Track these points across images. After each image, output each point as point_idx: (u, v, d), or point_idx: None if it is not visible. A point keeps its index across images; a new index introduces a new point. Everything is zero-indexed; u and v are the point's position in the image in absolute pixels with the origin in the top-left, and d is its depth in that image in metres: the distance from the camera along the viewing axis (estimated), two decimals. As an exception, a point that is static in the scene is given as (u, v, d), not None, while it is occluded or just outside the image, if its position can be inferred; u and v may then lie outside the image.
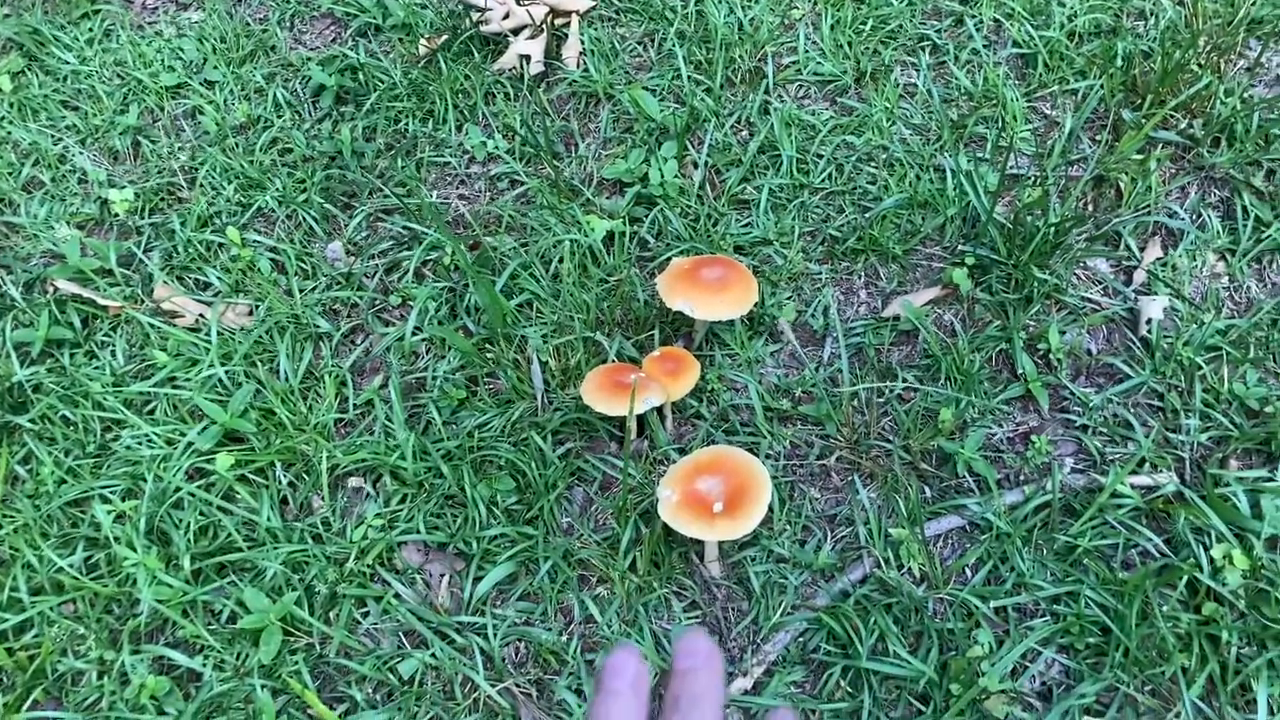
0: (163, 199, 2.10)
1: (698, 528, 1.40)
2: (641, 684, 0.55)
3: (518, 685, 1.48)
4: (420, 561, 1.61)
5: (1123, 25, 1.97)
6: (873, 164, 1.90)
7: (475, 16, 2.20)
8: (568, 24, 2.18)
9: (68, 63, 2.38)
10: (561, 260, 1.82)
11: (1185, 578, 1.39)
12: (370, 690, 1.50)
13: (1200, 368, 1.58)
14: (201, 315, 1.89)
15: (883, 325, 1.73)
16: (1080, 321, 1.67)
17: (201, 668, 1.53)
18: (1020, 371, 1.62)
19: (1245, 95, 1.84)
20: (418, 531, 1.61)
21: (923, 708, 1.37)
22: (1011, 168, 1.86)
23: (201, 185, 2.09)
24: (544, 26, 2.17)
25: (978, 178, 1.78)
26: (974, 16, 2.06)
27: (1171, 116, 1.85)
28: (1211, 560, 1.39)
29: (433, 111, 2.13)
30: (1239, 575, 1.37)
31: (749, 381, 1.67)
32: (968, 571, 1.48)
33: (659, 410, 1.65)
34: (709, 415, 1.67)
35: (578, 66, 2.13)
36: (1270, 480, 1.47)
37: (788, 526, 1.55)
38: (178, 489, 1.65)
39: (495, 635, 1.51)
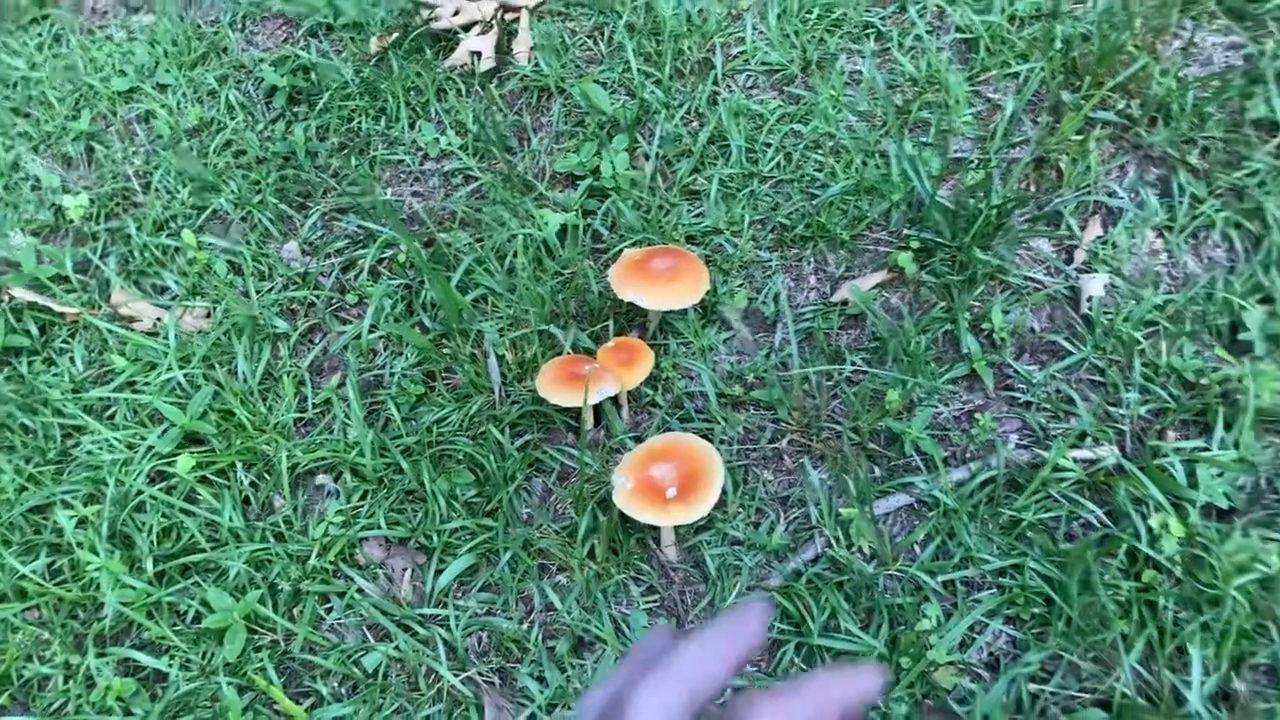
0: (117, 204, 2.11)
1: (652, 514, 1.43)
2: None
3: (480, 674, 1.50)
4: (382, 556, 1.63)
5: (1062, 8, 2.00)
6: (820, 151, 1.93)
7: (426, 14, 2.21)
8: (517, 19, 2.20)
9: (17, 69, 2.38)
10: (516, 255, 1.85)
11: (1125, 546, 1.43)
12: (336, 684, 1.52)
13: (1139, 343, 1.63)
14: (159, 319, 1.90)
15: (832, 310, 1.76)
16: (1023, 301, 1.71)
17: (167, 668, 1.55)
18: (965, 351, 1.66)
19: (1180, 75, 1.88)
20: (379, 527, 1.63)
21: (874, 682, 1.41)
22: (955, 151, 1.89)
23: (156, 189, 2.10)
24: (494, 22, 2.19)
25: (921, 162, 1.82)
26: (917, 3, 2.09)
27: (1110, 97, 1.89)
28: (1150, 529, 1.43)
29: (385, 109, 2.14)
30: (1175, 543, 1.41)
31: (702, 369, 1.70)
32: (916, 548, 1.52)
33: (615, 400, 1.68)
34: (664, 403, 1.70)
35: (528, 61, 2.15)
36: (1205, 450, 1.51)
37: (741, 509, 1.58)
38: (139, 492, 1.67)
39: (457, 626, 1.53)
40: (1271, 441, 1.52)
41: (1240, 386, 1.53)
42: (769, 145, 1.96)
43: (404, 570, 1.62)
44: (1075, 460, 1.53)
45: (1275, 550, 1.40)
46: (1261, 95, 1.84)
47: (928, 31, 2.05)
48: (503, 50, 2.18)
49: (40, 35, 2.46)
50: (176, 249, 2.00)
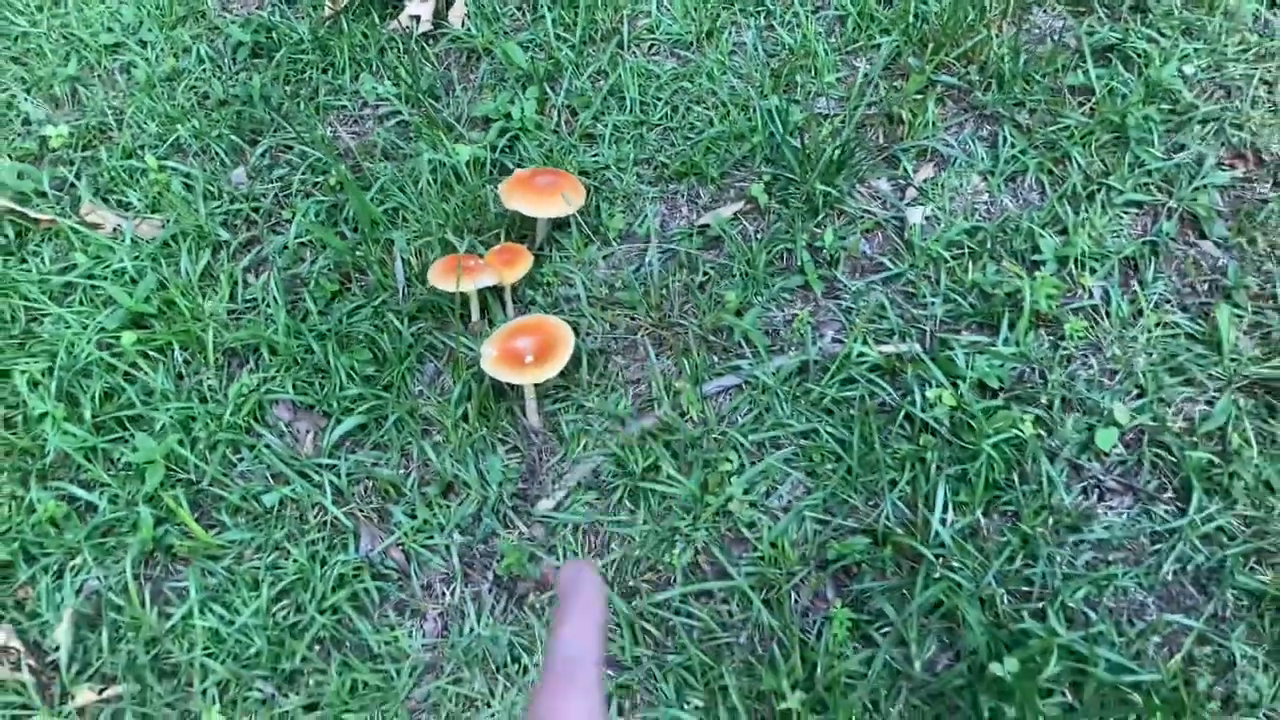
0: (94, 136, 2.40)
1: (512, 373, 1.70)
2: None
3: (360, 511, 1.76)
4: (289, 419, 1.89)
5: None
6: (702, 105, 2.21)
7: (375, -16, 2.52)
8: (455, -9, 2.50)
9: (18, 25, 2.69)
10: (424, 177, 2.13)
11: (903, 412, 1.69)
12: (239, 518, 1.78)
13: (947, 260, 1.89)
14: (118, 226, 2.18)
15: (697, 233, 2.03)
16: (856, 226, 1.97)
17: (97, 501, 1.81)
18: (800, 265, 1.93)
19: (1014, 47, 2.16)
20: (288, 393, 1.89)
21: (684, 515, 1.66)
22: (818, 109, 2.17)
23: (128, 124, 2.39)
24: (434, -8, 2.49)
25: (782, 113, 2.10)
26: (802, -14, 2.39)
27: (954, 64, 2.17)
28: (926, 399, 1.69)
29: (333, 63, 2.44)
30: (946, 410, 1.67)
31: (578, 276, 1.97)
32: (738, 419, 1.78)
33: (501, 298, 1.95)
34: (544, 303, 1.97)
35: (462, 26, 2.45)
36: (992, 345, 1.77)
37: (596, 386, 1.84)
38: (87, 357, 1.94)
39: (344, 474, 1.79)
40: (1044, 337, 1.78)
41: (1023, 295, 1.79)
42: (660, 99, 2.24)
43: (308, 432, 1.89)
44: (882, 353, 1.79)
45: (1030, 419, 1.65)
46: (1080, 66, 2.12)
47: (813, 12, 2.34)
48: (440, 16, 2.48)
49: (42, -2, 2.77)
50: (141, 172, 2.29)
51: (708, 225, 2.02)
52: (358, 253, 2.04)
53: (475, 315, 1.95)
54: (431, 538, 1.72)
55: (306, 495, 1.77)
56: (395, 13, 2.49)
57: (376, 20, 2.49)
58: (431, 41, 2.45)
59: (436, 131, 2.22)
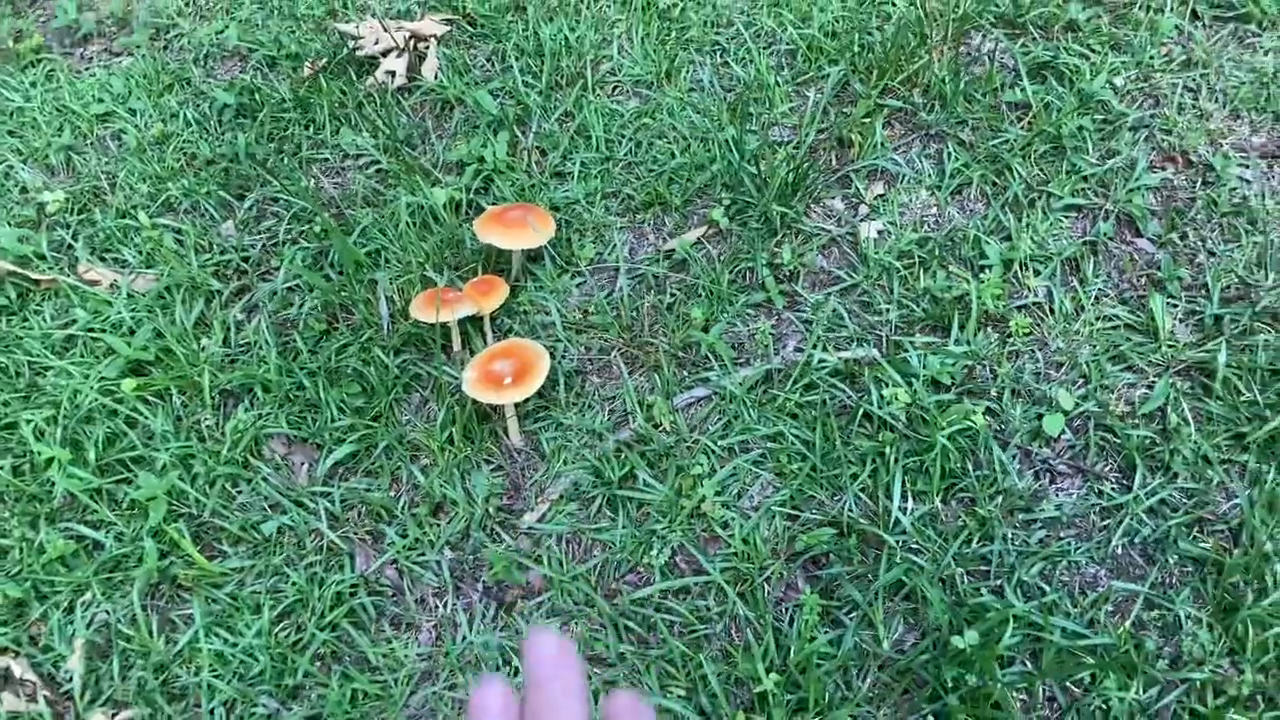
0: (89, 200, 2.52)
1: (492, 395, 1.80)
2: (510, 711, 0.58)
3: (355, 534, 1.85)
4: (284, 452, 1.99)
5: (869, 21, 2.43)
6: (664, 139, 2.34)
7: (352, 43, 2.66)
8: (428, 46, 2.64)
9: (13, 101, 2.82)
10: (404, 218, 2.25)
11: (862, 412, 1.79)
12: (239, 548, 1.87)
13: (899, 270, 2.00)
14: (115, 282, 2.29)
15: (664, 258, 2.15)
16: (811, 243, 2.09)
17: (104, 539, 1.90)
18: (761, 282, 2.04)
19: (955, 69, 2.29)
20: (282, 427, 1.99)
21: (661, 519, 1.76)
22: (773, 137, 2.30)
23: (120, 186, 2.51)
24: (407, 49, 2.63)
25: (737, 142, 2.22)
26: (754, 25, 2.53)
27: (899, 88, 2.30)
28: (883, 397, 1.79)
29: (314, 120, 2.57)
30: (902, 406, 1.77)
31: (554, 304, 2.08)
32: (709, 427, 1.88)
33: (480, 327, 2.06)
34: (521, 330, 2.07)
35: (435, 79, 2.58)
36: (944, 345, 1.88)
37: (573, 404, 1.95)
38: (90, 404, 2.04)
39: (338, 500, 1.89)
40: (992, 335, 1.89)
41: (971, 297, 1.91)
42: (624, 136, 2.37)
43: (302, 464, 1.98)
44: (841, 358, 1.90)
45: (981, 410, 1.76)
46: (1017, 84, 2.25)
47: (765, 48, 2.48)
48: (414, 70, 2.62)
49: (35, 75, 2.91)
50: (135, 229, 2.41)
51: (673, 250, 2.14)
52: (343, 293, 2.16)
53: (456, 345, 2.06)
54: (423, 555, 1.82)
55: (303, 522, 1.87)
56: (371, 70, 2.63)
57: (354, 77, 2.63)
58: (406, 94, 2.58)
59: (414, 177, 2.34)
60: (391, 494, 1.89)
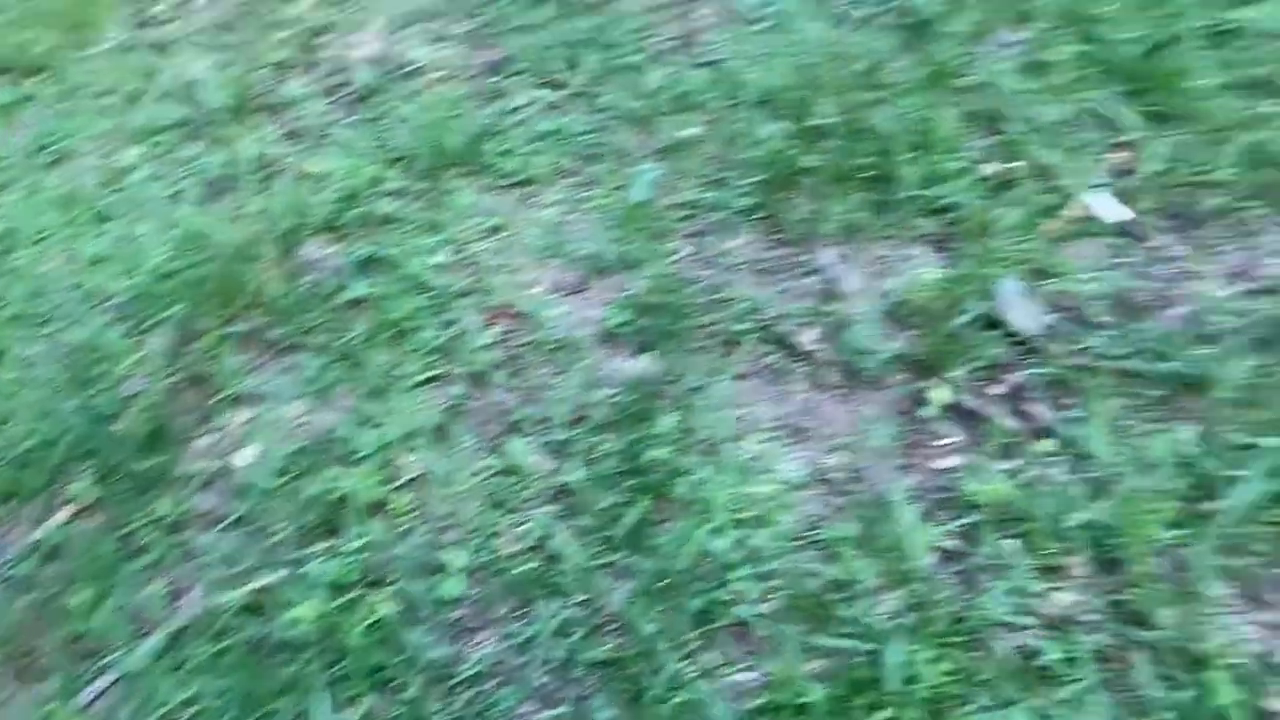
0: None
1: None
2: None
3: None
4: None
5: (197, 258, 2.48)
6: (8, 425, 2.19)
7: None
8: None
9: None
10: None
11: (275, 639, 1.78)
12: None
13: (282, 487, 2.04)
14: None
15: (35, 551, 1.99)
16: (190, 486, 2.06)
17: None
18: (143, 545, 1.97)
19: (288, 283, 2.41)
20: None
21: None
22: (127, 393, 2.25)
23: None
24: None
25: (86, 410, 2.14)
26: (80, 287, 2.47)
27: (243, 313, 2.37)
28: (293, 620, 1.80)
29: None
30: (311, 622, 1.79)
31: None
32: (120, 715, 1.76)
33: None
34: None
35: None
36: (342, 546, 1.93)
37: None
38: None
39: None
40: (378, 523, 1.98)
41: (352, 492, 1.99)
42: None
43: None
44: (246, 593, 1.87)
45: (384, 597, 1.83)
46: (351, 282, 2.43)
47: (92, 307, 2.43)
48: None
49: None
50: None
51: (41, 539, 2.00)
52: None
53: None
54: None
55: None
56: None
57: None
58: None
59: None
60: None
